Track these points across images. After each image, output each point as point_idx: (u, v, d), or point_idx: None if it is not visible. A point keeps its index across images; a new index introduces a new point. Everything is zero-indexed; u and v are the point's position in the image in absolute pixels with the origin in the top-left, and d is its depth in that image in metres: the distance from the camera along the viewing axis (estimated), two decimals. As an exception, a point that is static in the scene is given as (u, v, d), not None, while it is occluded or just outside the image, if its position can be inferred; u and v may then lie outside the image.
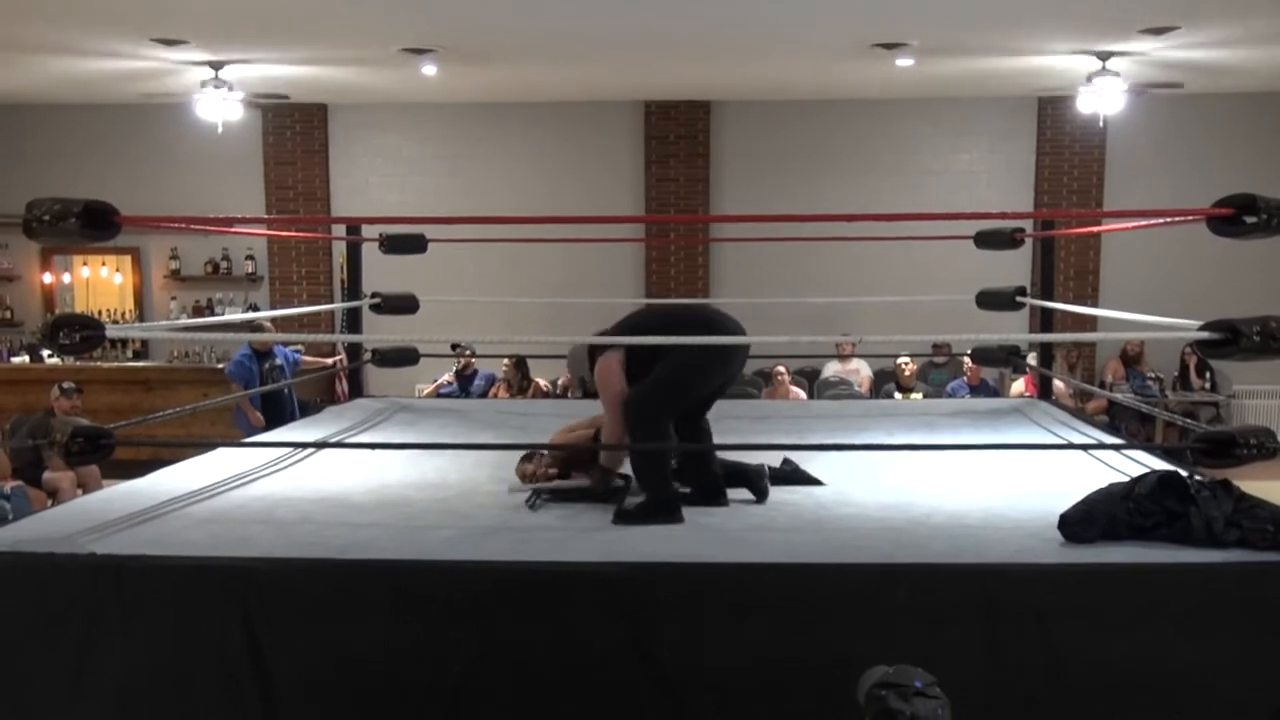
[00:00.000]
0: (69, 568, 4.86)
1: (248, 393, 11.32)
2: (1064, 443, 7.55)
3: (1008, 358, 9.95)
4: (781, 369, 13.48)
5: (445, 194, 16.12)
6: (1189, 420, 8.29)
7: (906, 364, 13.67)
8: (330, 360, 13.34)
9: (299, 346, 13.72)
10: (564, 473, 6.56)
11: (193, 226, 14.84)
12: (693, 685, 4.65)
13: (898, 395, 13.53)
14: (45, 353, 14.93)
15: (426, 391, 13.80)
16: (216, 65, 13.05)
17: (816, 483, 6.51)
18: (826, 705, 4.38)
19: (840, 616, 4.67)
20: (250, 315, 12.63)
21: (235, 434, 11.37)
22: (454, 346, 13.33)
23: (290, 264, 16.61)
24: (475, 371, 13.95)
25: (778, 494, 6.33)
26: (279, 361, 12.11)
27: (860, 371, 14.91)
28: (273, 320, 14.19)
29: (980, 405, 10.19)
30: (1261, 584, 4.72)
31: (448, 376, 13.87)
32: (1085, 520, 5.12)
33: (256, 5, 10.82)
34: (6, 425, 11.44)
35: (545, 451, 6.64)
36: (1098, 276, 15.96)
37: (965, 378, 13.24)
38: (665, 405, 6.05)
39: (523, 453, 6.68)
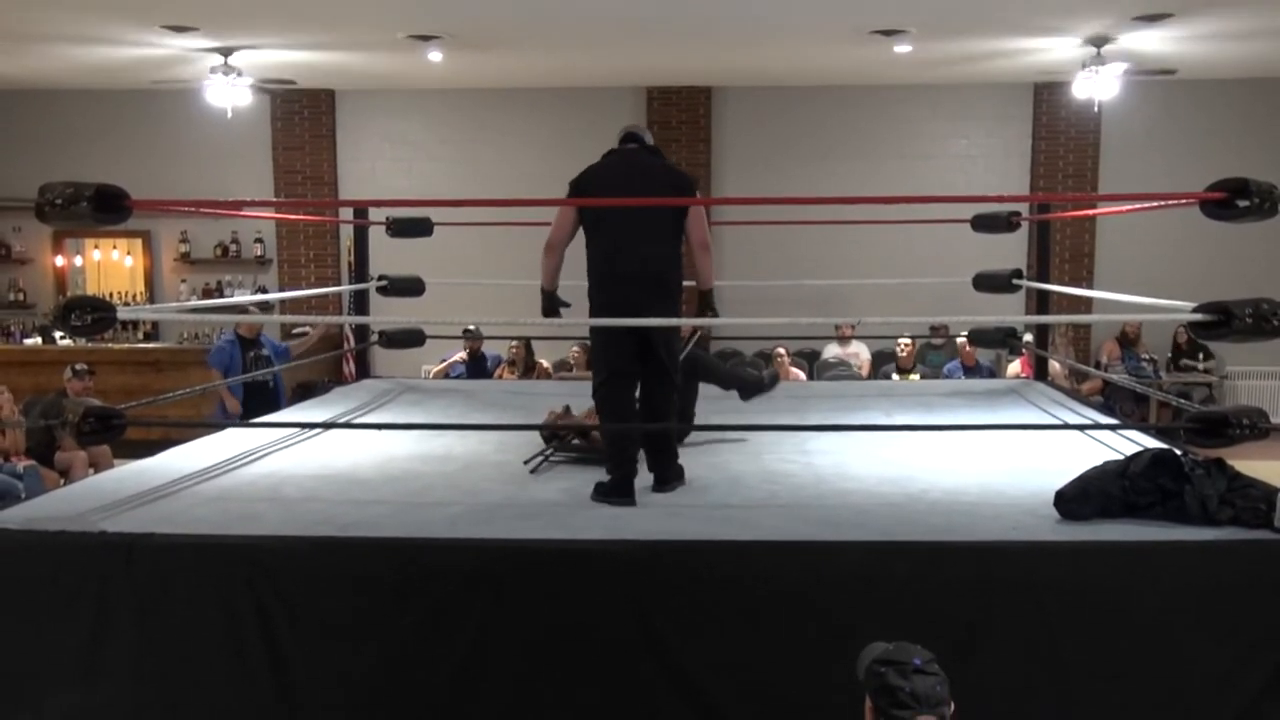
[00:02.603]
0: (81, 546, 4.93)
1: (228, 381, 10.90)
2: (1059, 423, 7.60)
3: (1004, 339, 9.98)
4: (781, 350, 13.55)
5: (451, 178, 16.19)
6: (1183, 400, 8.32)
7: (906, 346, 13.74)
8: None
9: (294, 338, 13.71)
10: (581, 435, 6.70)
11: (202, 210, 14.90)
12: (695, 661, 4.72)
13: (895, 377, 13.61)
14: (57, 334, 14.98)
15: (436, 370, 13.84)
16: (225, 51, 13.13)
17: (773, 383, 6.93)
18: (827, 681, 4.44)
19: (840, 593, 4.74)
20: (258, 297, 12.51)
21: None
22: (465, 331, 13.38)
23: (298, 247, 16.71)
24: (483, 355, 14.00)
25: (778, 468, 6.47)
26: (265, 352, 11.44)
27: (860, 355, 14.98)
28: (281, 303, 14.26)
29: (977, 386, 10.27)
30: (1254, 561, 4.80)
31: (461, 355, 13.89)
32: (1081, 498, 5.19)
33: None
34: (20, 406, 11.49)
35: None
36: (1093, 259, 16.03)
37: (960, 359, 13.31)
38: (607, 379, 6.13)
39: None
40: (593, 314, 6.08)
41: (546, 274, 6.35)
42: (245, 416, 10.18)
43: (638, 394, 6.23)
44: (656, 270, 6.05)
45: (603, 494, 5.80)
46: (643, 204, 6.08)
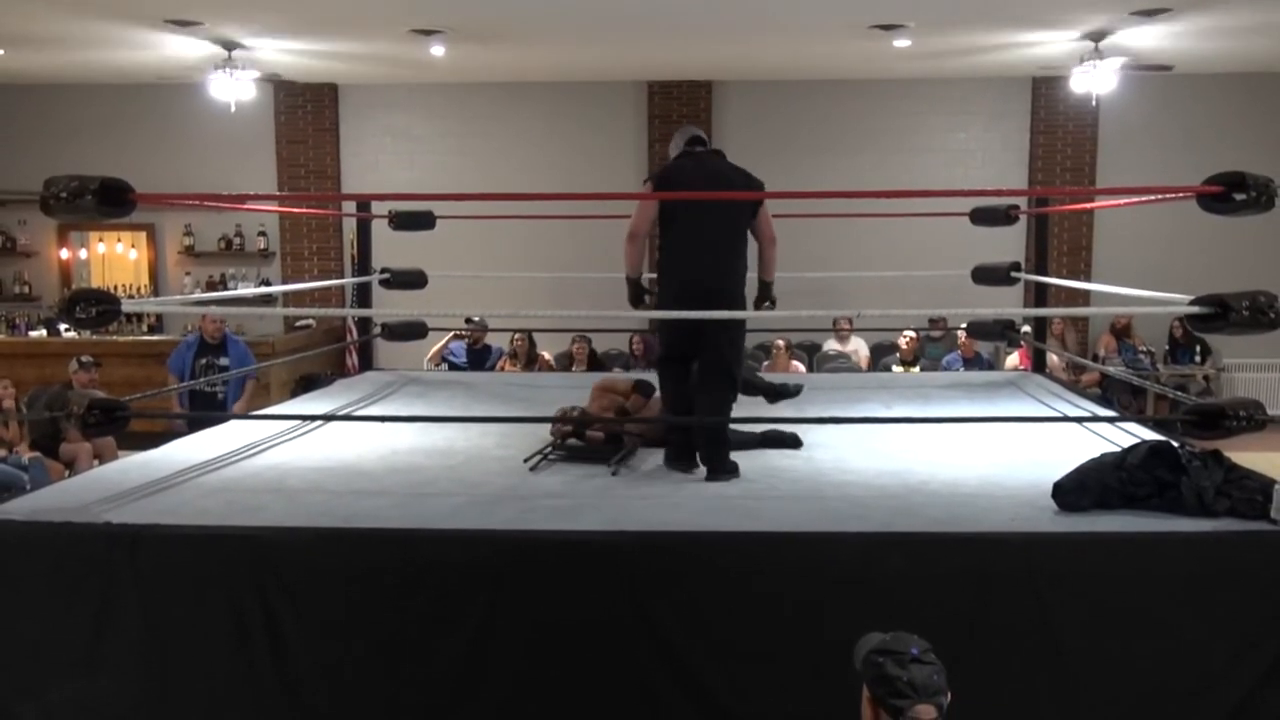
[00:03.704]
0: (86, 537, 4.94)
1: (165, 390, 10.34)
2: (1058, 415, 7.62)
3: (1003, 332, 10.00)
4: (781, 342, 13.61)
5: (453, 172, 16.23)
6: (1180, 393, 8.34)
7: (910, 338, 13.79)
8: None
9: (297, 330, 13.63)
10: (578, 432, 6.74)
11: (206, 203, 14.90)
12: (695, 651, 4.74)
13: (897, 369, 13.65)
14: (63, 327, 15.04)
15: (432, 352, 13.83)
16: (229, 46, 13.18)
17: (796, 443, 6.78)
18: (825, 671, 4.43)
19: (839, 583, 4.75)
20: (261, 290, 12.39)
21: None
22: (468, 320, 13.40)
23: (302, 240, 16.79)
24: (487, 347, 14.03)
25: (778, 461, 6.49)
26: (223, 361, 10.86)
27: (860, 352, 15.04)
28: (285, 295, 14.26)
29: (976, 378, 10.31)
30: (1250, 552, 4.81)
31: (456, 333, 13.88)
32: (1079, 489, 5.20)
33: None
34: (25, 398, 11.53)
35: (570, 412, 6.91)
36: (1090, 252, 16.15)
37: (959, 351, 13.36)
38: (658, 362, 6.56)
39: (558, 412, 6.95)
40: (659, 303, 6.45)
41: (630, 263, 6.54)
42: (192, 428, 9.01)
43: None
44: (723, 273, 6.27)
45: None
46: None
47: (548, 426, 6.82)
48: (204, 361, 10.81)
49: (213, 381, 10.46)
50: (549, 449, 6.55)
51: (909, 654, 3.38)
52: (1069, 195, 14.46)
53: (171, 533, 4.95)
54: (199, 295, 14.99)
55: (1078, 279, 14.47)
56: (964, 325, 11.77)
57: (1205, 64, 14.66)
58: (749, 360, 14.12)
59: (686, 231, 6.28)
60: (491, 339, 13.99)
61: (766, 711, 4.73)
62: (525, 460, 6.38)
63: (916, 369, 13.61)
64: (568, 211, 12.33)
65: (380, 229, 10.10)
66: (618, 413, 6.96)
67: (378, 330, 10.51)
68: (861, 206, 11.80)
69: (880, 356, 14.93)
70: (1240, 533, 4.88)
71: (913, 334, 13.86)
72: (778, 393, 7.66)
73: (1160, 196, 7.91)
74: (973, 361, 13.21)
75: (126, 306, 5.59)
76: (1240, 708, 4.71)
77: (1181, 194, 5.93)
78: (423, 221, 9.66)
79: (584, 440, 6.70)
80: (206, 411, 10.39)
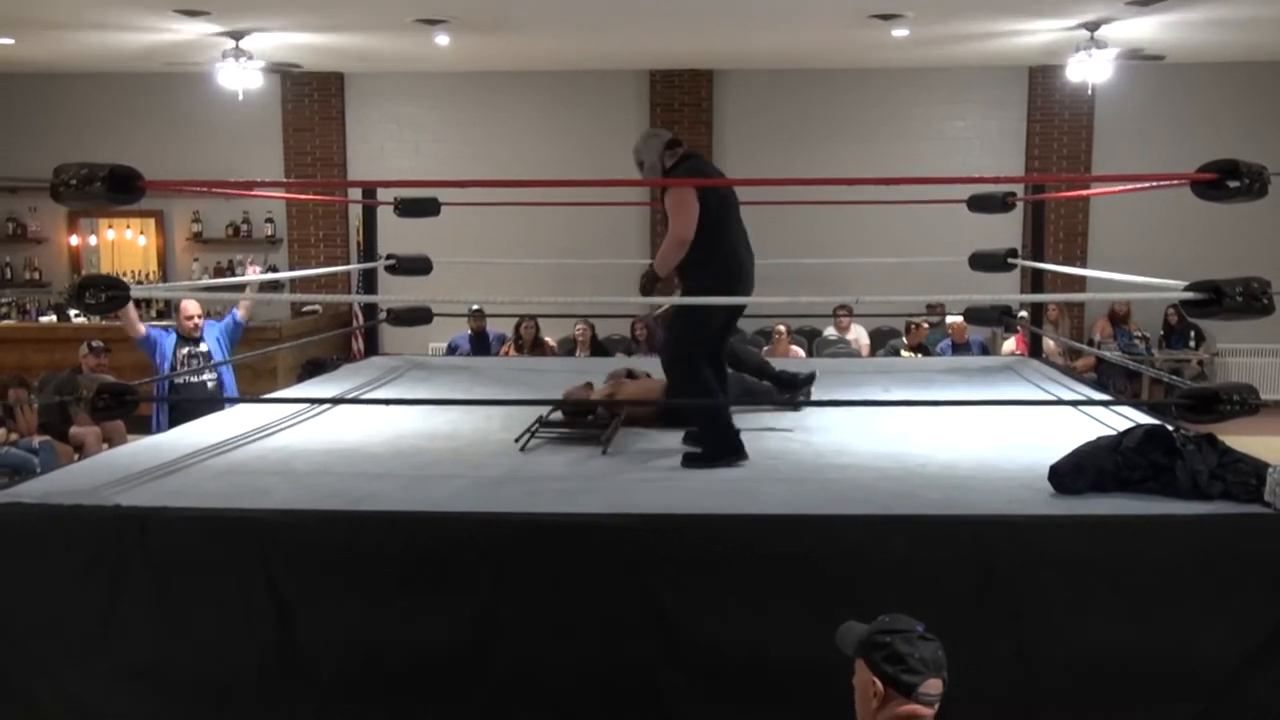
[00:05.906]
0: (95, 519, 4.97)
1: (151, 379, 9.47)
2: (1054, 399, 7.65)
3: (1000, 317, 10.04)
4: (781, 328, 13.70)
5: (457, 159, 16.31)
6: (1174, 377, 8.37)
7: (924, 324, 13.85)
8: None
9: (303, 316, 13.57)
10: (568, 419, 6.82)
11: (214, 190, 14.99)
12: (697, 633, 4.78)
13: (906, 353, 13.70)
14: (72, 312, 15.10)
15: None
16: (237, 35, 13.26)
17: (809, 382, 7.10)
18: (826, 652, 4.45)
19: (839, 565, 4.78)
20: (272, 275, 12.31)
21: None
22: (471, 311, 13.48)
23: (308, 227, 16.93)
24: (486, 333, 14.11)
25: (777, 444, 6.54)
26: (204, 349, 10.03)
27: (860, 340, 15.09)
28: (292, 281, 14.30)
29: (973, 363, 10.39)
30: (1244, 534, 4.85)
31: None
32: (1075, 472, 5.22)
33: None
34: (35, 382, 11.59)
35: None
36: (1086, 239, 16.28)
37: (950, 337, 13.45)
38: (698, 344, 6.35)
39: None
40: (704, 289, 6.31)
41: (670, 265, 6.43)
42: (175, 422, 8.14)
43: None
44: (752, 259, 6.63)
45: (708, 460, 6.05)
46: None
47: (547, 410, 6.88)
48: (186, 351, 10.14)
49: (198, 371, 9.90)
50: (535, 426, 6.60)
51: (915, 631, 3.44)
52: (1065, 182, 14.53)
53: (180, 515, 4.96)
54: (207, 281, 15.05)
55: (1074, 265, 14.53)
56: (955, 310, 11.85)
57: (1200, 53, 14.75)
58: (754, 339, 14.24)
59: (725, 222, 6.47)
60: (493, 324, 14.08)
61: (767, 693, 4.77)
62: (515, 440, 6.44)
63: (917, 354, 13.68)
64: (570, 198, 12.39)
65: (385, 216, 10.15)
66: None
67: (383, 316, 10.56)
68: (860, 194, 11.89)
69: (880, 344, 14.97)
70: (1234, 515, 4.89)
71: (927, 325, 13.92)
72: (789, 383, 7.69)
73: (1155, 184, 7.93)
74: (964, 346, 13.28)
75: (135, 292, 5.63)
76: (1233, 686, 4.74)
77: (1176, 181, 5.97)
78: (427, 208, 9.71)
79: (567, 417, 6.80)
80: (192, 404, 9.28)
